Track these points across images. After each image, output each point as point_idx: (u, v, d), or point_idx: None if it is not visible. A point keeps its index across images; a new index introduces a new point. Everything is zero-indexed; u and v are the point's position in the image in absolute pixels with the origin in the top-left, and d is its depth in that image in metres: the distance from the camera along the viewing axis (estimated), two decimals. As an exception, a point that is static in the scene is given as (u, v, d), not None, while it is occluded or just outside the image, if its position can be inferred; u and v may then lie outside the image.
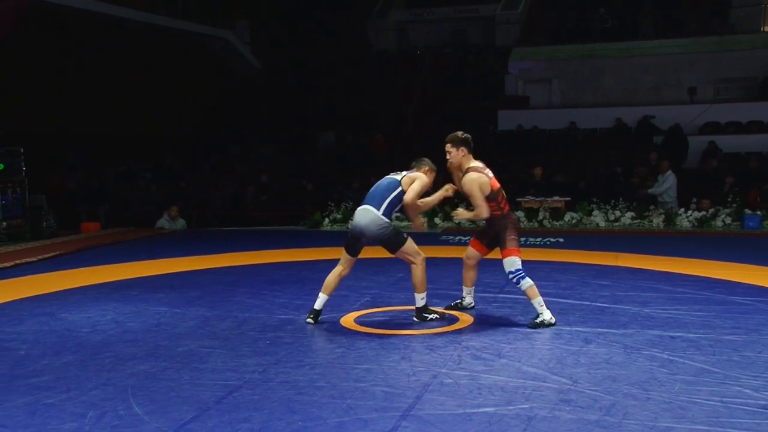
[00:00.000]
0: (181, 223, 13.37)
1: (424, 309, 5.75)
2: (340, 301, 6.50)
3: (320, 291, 5.81)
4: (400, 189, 5.61)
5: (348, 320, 5.86)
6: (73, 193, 16.21)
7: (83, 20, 17.40)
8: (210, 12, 21.20)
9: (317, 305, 5.81)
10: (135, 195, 16.44)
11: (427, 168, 5.82)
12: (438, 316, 5.77)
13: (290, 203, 14.98)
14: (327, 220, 13.20)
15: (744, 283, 7.10)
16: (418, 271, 5.61)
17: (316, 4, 24.34)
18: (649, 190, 12.88)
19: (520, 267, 5.54)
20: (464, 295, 6.18)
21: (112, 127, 18.33)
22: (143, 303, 6.66)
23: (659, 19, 19.90)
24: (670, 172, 12.78)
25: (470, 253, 5.98)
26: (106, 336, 5.51)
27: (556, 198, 12.73)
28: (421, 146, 17.45)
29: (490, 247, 5.88)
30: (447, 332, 5.42)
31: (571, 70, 19.90)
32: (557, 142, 17.46)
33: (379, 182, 5.75)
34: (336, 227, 13.08)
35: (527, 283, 5.54)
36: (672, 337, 5.15)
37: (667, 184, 12.66)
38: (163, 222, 13.25)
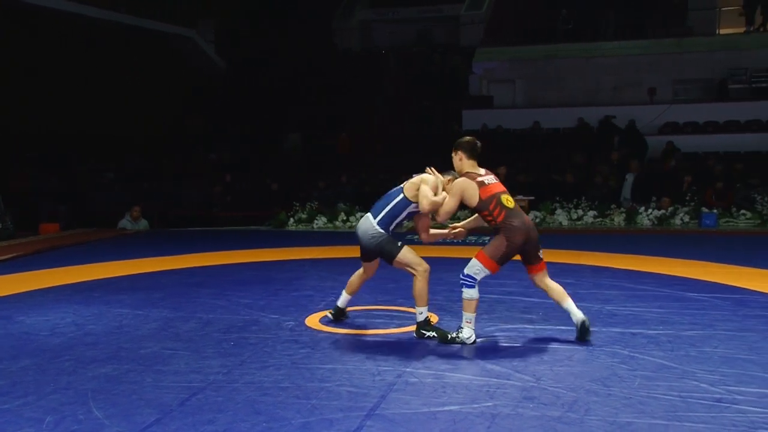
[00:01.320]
0: (143, 223, 13.21)
1: (424, 325, 5.25)
2: (304, 301, 6.49)
3: (343, 290, 5.75)
4: (401, 197, 5.34)
5: (313, 320, 5.84)
6: (32, 192, 15.89)
7: (45, 17, 17.08)
8: (173, 10, 20.95)
9: (340, 303, 5.76)
10: (96, 195, 16.18)
11: (449, 178, 5.44)
12: (436, 335, 5.17)
13: (255, 203, 14.90)
14: (292, 220, 13.16)
15: (701, 280, 7.26)
16: (418, 283, 5.19)
17: (281, 3, 24.21)
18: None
19: (478, 277, 5.00)
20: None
21: (72, 126, 18.01)
22: (105, 305, 6.57)
23: (620, 20, 20.21)
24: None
25: None
26: (66, 339, 5.41)
27: (519, 197, 12.84)
28: (387, 145, 17.64)
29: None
30: (412, 331, 5.43)
31: (534, 70, 20.11)
32: (521, 141, 17.63)
33: (387, 192, 5.50)
34: (301, 227, 13.05)
35: (472, 293, 5.01)
36: (633, 334, 5.24)
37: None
38: (125, 223, 13.08)
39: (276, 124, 19.87)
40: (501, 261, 5.01)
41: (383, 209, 5.35)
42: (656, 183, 13.46)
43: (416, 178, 5.41)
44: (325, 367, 4.57)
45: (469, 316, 5.07)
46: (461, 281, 5.04)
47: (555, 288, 5.19)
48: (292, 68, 22.14)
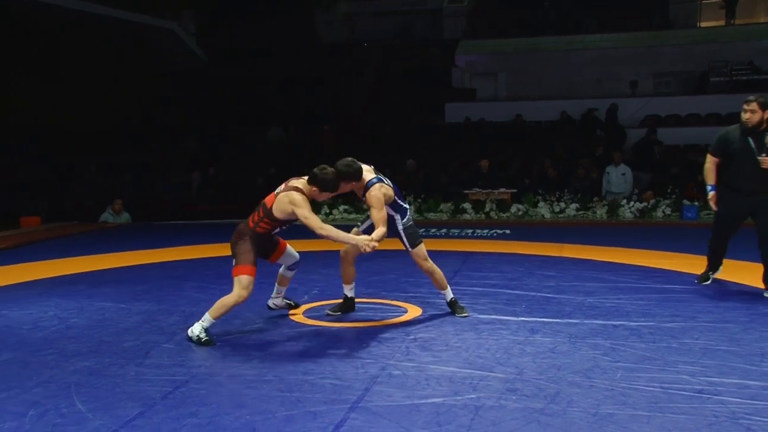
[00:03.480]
0: (125, 216, 13.11)
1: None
2: (288, 294, 6.47)
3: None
4: None
5: (296, 314, 5.84)
6: (12, 186, 15.71)
7: (23, 9, 16.85)
8: (154, 2, 20.73)
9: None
10: (78, 188, 16.03)
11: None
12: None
13: (238, 196, 14.83)
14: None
15: (682, 272, 7.33)
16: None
17: (263, -6, 24.06)
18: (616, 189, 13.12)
19: None
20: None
21: (53, 118, 17.83)
22: (87, 299, 6.52)
23: (601, 13, 20.31)
24: (622, 164, 13.18)
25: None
26: (49, 333, 5.38)
27: (502, 190, 12.91)
28: (369, 138, 17.60)
29: None
30: (395, 324, 5.45)
31: (516, 63, 20.16)
32: (504, 134, 17.69)
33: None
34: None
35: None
36: (615, 326, 5.28)
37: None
38: (107, 216, 12.98)
39: (258, 116, 19.77)
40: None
41: None
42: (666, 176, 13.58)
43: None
44: (308, 360, 4.57)
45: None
46: None
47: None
48: (275, 61, 22.02)
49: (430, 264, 5.61)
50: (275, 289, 5.74)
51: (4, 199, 14.09)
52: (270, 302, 5.80)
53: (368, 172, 5.31)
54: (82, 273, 7.85)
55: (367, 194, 5.20)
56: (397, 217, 5.47)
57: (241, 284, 4.97)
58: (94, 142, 18.30)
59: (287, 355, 4.73)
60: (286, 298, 5.88)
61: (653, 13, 20.31)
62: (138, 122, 19.93)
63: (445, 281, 5.72)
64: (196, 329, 4.99)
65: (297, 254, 5.58)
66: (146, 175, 16.75)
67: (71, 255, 9.17)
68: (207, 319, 5.00)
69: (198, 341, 4.95)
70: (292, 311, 5.88)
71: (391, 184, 5.40)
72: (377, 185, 5.20)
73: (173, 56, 22.06)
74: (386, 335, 5.14)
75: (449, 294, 5.75)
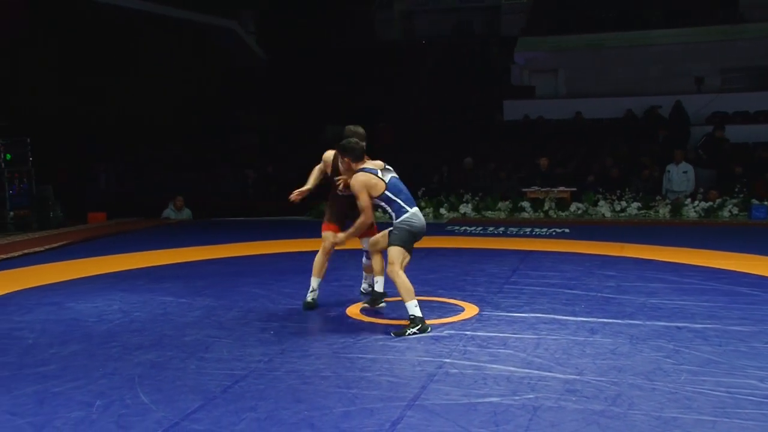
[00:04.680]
0: (186, 213, 13.39)
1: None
2: (345, 291, 6.51)
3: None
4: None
5: (353, 310, 5.86)
6: (81, 182, 16.25)
7: (87, 10, 17.38)
8: (215, 2, 21.12)
9: (377, 287, 5.92)
10: (140, 185, 16.45)
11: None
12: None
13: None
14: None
15: (751, 274, 7.08)
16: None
17: (322, -7, 24.25)
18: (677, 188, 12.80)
19: None
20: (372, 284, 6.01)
21: (118, 117, 18.32)
22: (149, 293, 6.68)
23: (667, 8, 19.78)
24: (683, 162, 12.83)
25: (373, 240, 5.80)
26: (113, 326, 5.53)
27: (561, 188, 12.71)
28: (427, 136, 17.56)
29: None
30: (452, 322, 5.42)
31: (577, 59, 19.79)
32: (563, 132, 17.41)
33: (398, 179, 5.60)
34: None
35: None
36: (678, 328, 5.14)
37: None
38: (169, 212, 13.27)
39: (316, 114, 19.94)
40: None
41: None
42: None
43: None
44: (365, 357, 4.58)
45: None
46: None
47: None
48: (333, 59, 22.17)
49: (398, 272, 5.28)
50: (364, 276, 6.23)
51: (73, 196, 14.55)
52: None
53: (371, 163, 5.58)
54: (144, 268, 8.05)
55: (352, 179, 5.52)
56: (393, 213, 5.48)
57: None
58: (158, 140, 18.76)
59: (344, 351, 4.75)
60: (369, 285, 6.15)
61: (722, 7, 19.66)
62: (199, 120, 20.33)
63: (411, 292, 5.31)
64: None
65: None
66: (207, 173, 17.07)
67: (135, 250, 9.41)
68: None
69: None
70: (349, 310, 5.91)
71: (385, 180, 5.46)
72: (362, 173, 5.47)
73: (234, 55, 22.43)
74: (443, 333, 5.12)
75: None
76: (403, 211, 5.43)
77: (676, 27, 19.02)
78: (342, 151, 5.60)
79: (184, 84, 19.56)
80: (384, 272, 5.74)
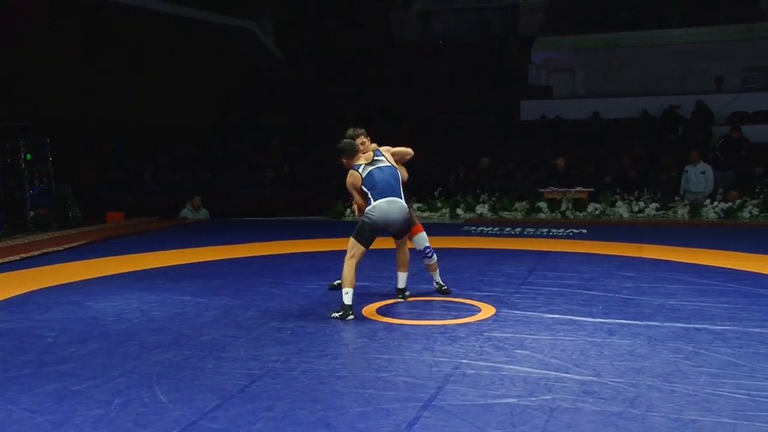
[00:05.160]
0: (203, 213, 13.46)
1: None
2: (361, 291, 6.51)
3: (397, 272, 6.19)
4: (396, 170, 5.95)
5: (370, 310, 5.87)
6: (98, 182, 16.39)
7: (107, 10, 17.53)
8: (234, 3, 21.21)
9: (400, 284, 6.20)
10: (158, 185, 16.55)
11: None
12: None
13: (313, 193, 15.02)
14: (348, 210, 13.22)
15: (772, 275, 7.00)
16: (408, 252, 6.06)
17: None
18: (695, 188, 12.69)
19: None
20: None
21: (135, 117, 18.47)
22: (167, 292, 6.73)
23: (686, 6, 19.61)
24: (701, 162, 12.70)
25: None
26: (131, 324, 5.57)
27: (578, 189, 12.64)
28: (445, 136, 17.53)
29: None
30: (469, 323, 5.41)
31: (595, 59, 19.69)
32: (581, 132, 17.32)
33: (380, 171, 5.81)
34: (359, 218, 13.08)
35: (435, 258, 6.26)
36: (697, 329, 5.09)
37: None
38: (186, 212, 13.35)
39: (333, 114, 19.96)
40: None
41: (400, 188, 5.85)
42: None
43: (383, 149, 6.00)
44: (381, 357, 4.58)
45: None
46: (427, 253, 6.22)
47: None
48: (350, 59, 22.19)
49: (348, 260, 5.71)
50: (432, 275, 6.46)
51: (91, 196, 14.68)
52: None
53: (363, 157, 5.88)
54: (162, 267, 8.10)
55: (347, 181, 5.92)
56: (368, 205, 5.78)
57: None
58: (175, 140, 18.88)
59: (361, 351, 4.76)
60: (438, 282, 6.41)
61: (743, 5, 19.45)
62: (216, 120, 20.43)
63: (349, 282, 5.67)
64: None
65: (424, 243, 6.25)
66: (223, 173, 17.15)
67: (152, 250, 9.47)
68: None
69: None
70: (366, 310, 5.91)
71: (362, 175, 5.77)
72: (349, 173, 5.86)
73: (251, 55, 22.52)
74: (460, 334, 5.11)
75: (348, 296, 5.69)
76: (368, 204, 5.74)
77: (696, 26, 18.86)
78: (337, 155, 5.97)
79: (202, 85, 19.67)
80: (407, 267, 6.12)
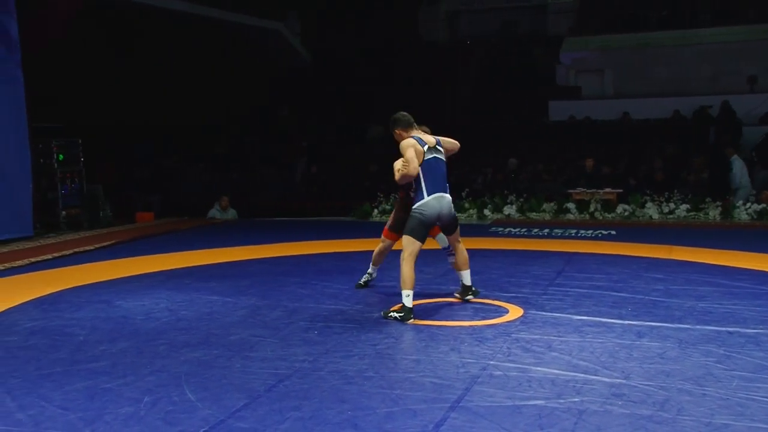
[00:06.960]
0: (232, 213, 13.56)
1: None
2: (388, 291, 6.51)
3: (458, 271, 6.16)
4: (444, 162, 5.90)
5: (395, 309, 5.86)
6: (128, 183, 16.59)
7: (137, 12, 17.73)
8: (261, 4, 21.34)
9: (465, 281, 6.14)
10: (187, 185, 16.72)
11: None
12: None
13: (340, 193, 15.06)
14: (376, 210, 13.23)
15: (806, 278, 6.87)
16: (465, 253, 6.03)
17: (367, -6, 24.31)
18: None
19: None
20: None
21: (164, 117, 18.66)
22: (196, 292, 6.79)
23: (716, 5, 19.33)
24: (735, 156, 12.53)
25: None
26: (160, 324, 5.63)
27: (607, 190, 12.52)
28: (472, 136, 17.47)
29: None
30: (496, 324, 5.38)
31: (624, 59, 19.50)
32: (610, 132, 17.15)
33: (438, 163, 5.77)
34: (385, 218, 13.08)
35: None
36: (729, 333, 5.02)
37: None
38: (215, 212, 13.46)
39: (360, 114, 20.00)
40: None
41: (447, 183, 5.81)
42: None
43: (439, 139, 5.90)
44: (409, 358, 4.58)
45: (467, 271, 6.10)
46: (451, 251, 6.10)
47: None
48: (377, 60, 22.22)
49: (406, 260, 5.59)
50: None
51: (121, 196, 14.87)
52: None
53: (424, 137, 5.80)
54: (190, 267, 8.17)
55: (402, 141, 5.76)
56: (415, 196, 5.73)
57: None
58: (204, 141, 19.05)
59: (388, 352, 4.76)
60: (464, 283, 6.20)
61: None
62: (244, 121, 20.57)
63: (410, 283, 5.57)
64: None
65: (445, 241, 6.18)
66: (251, 173, 17.27)
67: (181, 249, 9.56)
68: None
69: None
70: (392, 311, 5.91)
71: (424, 151, 5.68)
72: (409, 140, 5.71)
73: (278, 56, 22.64)
74: (487, 335, 5.08)
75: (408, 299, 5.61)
76: (419, 197, 5.66)
77: (726, 25, 18.58)
78: (391, 125, 5.87)
79: (230, 86, 19.81)
80: (467, 265, 6.07)
